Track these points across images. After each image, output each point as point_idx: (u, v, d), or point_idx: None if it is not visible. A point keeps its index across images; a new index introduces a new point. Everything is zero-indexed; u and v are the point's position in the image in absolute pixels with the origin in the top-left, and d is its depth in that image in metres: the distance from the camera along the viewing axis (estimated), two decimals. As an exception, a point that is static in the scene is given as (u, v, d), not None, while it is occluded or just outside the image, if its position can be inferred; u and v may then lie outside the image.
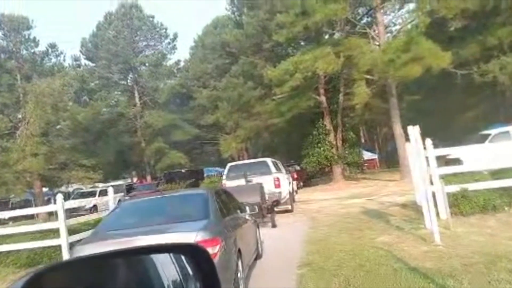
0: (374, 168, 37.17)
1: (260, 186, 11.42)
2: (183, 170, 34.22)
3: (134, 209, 6.53)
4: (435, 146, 11.97)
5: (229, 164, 15.68)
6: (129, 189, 32.00)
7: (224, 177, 14.92)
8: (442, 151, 11.89)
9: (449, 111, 28.54)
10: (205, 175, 36.51)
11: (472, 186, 9.64)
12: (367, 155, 35.46)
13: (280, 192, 13.72)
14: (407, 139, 23.14)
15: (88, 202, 22.64)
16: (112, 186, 17.37)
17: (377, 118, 38.10)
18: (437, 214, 9.27)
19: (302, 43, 26.37)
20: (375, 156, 40.06)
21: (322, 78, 25.19)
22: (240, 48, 26.90)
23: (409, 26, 22.13)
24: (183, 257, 1.22)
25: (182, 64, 47.87)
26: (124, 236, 4.86)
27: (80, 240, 6.99)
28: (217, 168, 48.18)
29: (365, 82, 21.90)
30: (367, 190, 20.01)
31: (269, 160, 15.07)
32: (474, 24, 20.62)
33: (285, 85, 20.95)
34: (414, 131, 8.95)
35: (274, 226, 11.58)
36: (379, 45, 22.35)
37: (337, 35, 25.11)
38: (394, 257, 6.89)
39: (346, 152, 26.37)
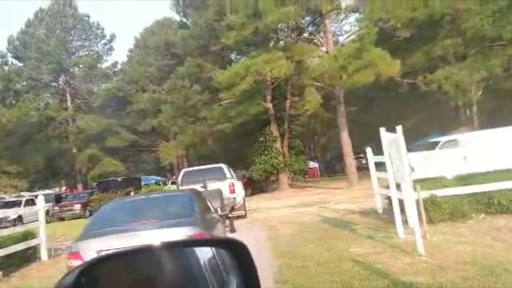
0: (315, 176, 37.16)
1: (220, 192, 10.60)
2: (119, 179, 32.13)
3: (123, 207, 6.74)
4: (377, 154, 11.72)
5: (183, 170, 15.30)
6: (58, 199, 29.46)
7: (179, 182, 14.05)
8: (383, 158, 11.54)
9: (390, 120, 29.13)
10: (142, 183, 34.69)
11: (440, 192, 9.23)
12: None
13: (235, 198, 13.05)
14: (353, 146, 23.07)
15: (13, 213, 20.25)
16: (41, 195, 15.47)
17: (319, 126, 38.46)
18: (406, 221, 8.82)
19: (250, 48, 25.66)
20: (316, 165, 40.17)
21: (270, 84, 24.63)
22: (186, 49, 25.67)
23: (355, 36, 22.22)
24: (223, 251, 1.23)
25: (119, 66, 45.47)
26: (125, 231, 5.10)
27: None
28: (154, 177, 46.28)
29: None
30: (315, 198, 19.53)
31: (224, 166, 14.70)
32: (420, 35, 21.01)
33: (234, 89, 20.06)
34: (387, 135, 8.40)
35: (233, 231, 11.29)
36: (327, 52, 22.19)
37: (283, 42, 24.74)
38: (379, 272, 6.14)
39: (293, 160, 25.89)
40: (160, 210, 6.06)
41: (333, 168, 42.99)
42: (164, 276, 1.12)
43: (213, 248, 1.28)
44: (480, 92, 21.94)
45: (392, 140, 7.97)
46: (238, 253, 1.19)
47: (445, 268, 5.95)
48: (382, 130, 8.53)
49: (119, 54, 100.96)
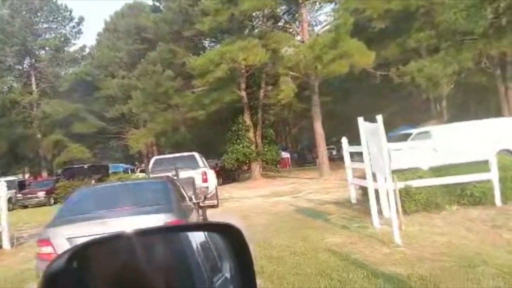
0: (286, 167, 37.11)
1: (193, 180, 10.28)
2: (85, 166, 31.05)
3: (95, 194, 6.58)
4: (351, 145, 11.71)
5: (154, 158, 14.85)
6: (22, 186, 28.30)
7: (149, 170, 13.63)
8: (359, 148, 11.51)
9: (362, 112, 29.34)
10: (110, 171, 33.79)
11: (415, 183, 9.21)
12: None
13: (207, 187, 12.72)
14: (327, 137, 23.08)
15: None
16: (3, 182, 14.72)
17: (291, 117, 38.42)
18: (380, 212, 8.78)
19: (225, 35, 25.17)
20: (287, 155, 40.08)
21: (244, 72, 24.27)
22: (158, 34, 24.92)
23: (330, 26, 22.11)
24: (217, 236, 1.21)
25: (87, 50, 43.90)
26: (97, 218, 5.02)
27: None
28: (123, 165, 45.24)
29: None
30: (288, 188, 19.45)
31: (196, 154, 14.34)
32: (395, 26, 21.07)
33: (208, 76, 19.60)
34: (366, 125, 8.27)
35: (206, 220, 10.63)
36: (302, 42, 22.00)
37: (258, 30, 24.39)
38: (357, 262, 6.03)
39: (265, 149, 25.70)
40: (134, 197, 5.93)
41: (304, 158, 43.12)
42: (157, 260, 1.10)
43: (205, 233, 1.26)
44: (451, 86, 22.23)
45: (371, 130, 7.85)
46: (233, 238, 1.17)
47: (423, 259, 5.88)
48: (360, 119, 8.41)
49: (88, 38, 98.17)
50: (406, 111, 28.04)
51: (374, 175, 8.56)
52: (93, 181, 22.07)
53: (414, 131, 17.46)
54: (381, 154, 7.12)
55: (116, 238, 1.06)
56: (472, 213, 8.70)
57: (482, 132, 15.03)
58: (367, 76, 24.95)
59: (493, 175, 8.94)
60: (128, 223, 4.75)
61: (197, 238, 1.25)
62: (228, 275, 1.24)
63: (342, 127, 34.34)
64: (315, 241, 7.71)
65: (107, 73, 38.85)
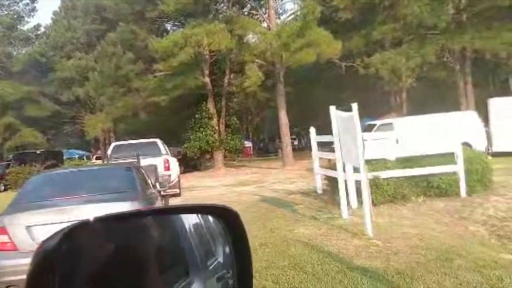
0: (249, 156, 36.95)
1: (155, 168, 9.82)
2: (38, 151, 29.57)
3: (55, 180, 6.15)
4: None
5: (113, 144, 14.25)
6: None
7: (108, 157, 13.00)
8: (328, 138, 11.46)
9: (324, 102, 29.51)
10: (65, 157, 32.42)
11: (383, 174, 9.16)
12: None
13: (169, 175, 12.27)
14: (291, 126, 22.94)
15: None
16: None
17: (254, 106, 38.13)
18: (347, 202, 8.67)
19: (189, 19, 24.38)
20: (250, 144, 39.95)
21: (208, 58, 23.68)
22: (119, 14, 23.81)
23: (297, 14, 21.90)
24: (210, 218, 1.18)
25: (42, 30, 41.65)
26: (56, 205, 4.85)
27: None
28: (78, 151, 43.58)
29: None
30: (251, 177, 19.25)
31: (159, 141, 13.76)
32: (361, 18, 21.12)
33: (172, 60, 18.91)
34: (339, 114, 8.09)
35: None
36: (269, 29, 21.66)
37: (223, 15, 23.80)
38: (331, 255, 5.84)
39: (229, 138, 25.29)
40: (97, 184, 5.69)
41: (266, 148, 43.16)
42: (150, 243, 1.08)
43: (199, 216, 1.23)
44: (413, 79, 22.61)
45: (345, 119, 7.66)
46: (229, 221, 1.14)
47: (397, 252, 5.76)
48: (332, 108, 8.23)
49: (43, 17, 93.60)
50: (367, 103, 28.38)
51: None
52: (43, 168, 20.97)
53: (377, 122, 17.69)
54: (355, 144, 6.93)
55: (109, 219, 1.04)
56: (438, 205, 8.75)
57: (443, 125, 15.43)
58: (330, 67, 25.04)
59: (459, 167, 9.02)
60: (90, 211, 4.48)
61: (190, 220, 1.21)
62: (221, 259, 1.21)
63: (304, 118, 34.64)
64: (284, 232, 7.48)
65: (62, 54, 36.99)
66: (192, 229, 1.21)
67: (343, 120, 7.79)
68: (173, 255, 1.14)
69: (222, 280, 1.18)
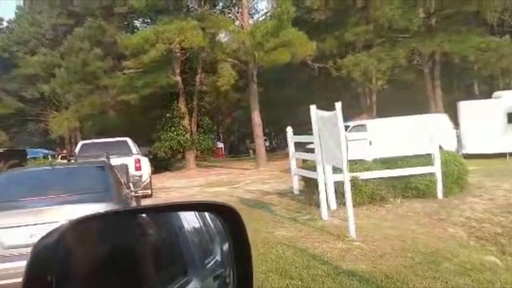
0: (220, 157, 36.62)
1: (126, 168, 9.40)
2: (0, 150, 28.27)
3: (25, 180, 5.80)
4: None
5: (81, 142, 13.83)
6: None
7: (75, 156, 12.49)
8: (305, 138, 11.40)
9: (296, 104, 29.60)
10: (28, 156, 31.12)
11: (362, 176, 9.08)
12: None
13: (141, 175, 11.84)
14: (262, 127, 22.75)
15: None
16: None
17: (225, 106, 37.81)
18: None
19: (159, 16, 23.82)
20: (222, 145, 39.60)
21: (180, 56, 23.20)
22: (87, 8, 22.99)
23: (271, 13, 21.74)
24: (208, 216, 1.18)
25: (5, 24, 39.87)
26: (23, 207, 4.58)
27: None
28: (43, 150, 42.02)
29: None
30: (225, 178, 18.95)
31: (129, 140, 13.36)
32: (334, 19, 21.18)
33: (143, 57, 18.36)
34: (320, 113, 7.94)
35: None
36: (242, 28, 21.41)
37: (195, 13, 23.38)
38: (315, 258, 5.65)
39: (201, 138, 24.86)
40: (69, 184, 5.40)
41: (237, 149, 42.94)
42: (147, 240, 1.05)
43: (196, 213, 1.20)
44: (384, 82, 22.87)
45: (326, 118, 7.51)
46: (229, 218, 1.13)
47: (382, 255, 5.62)
48: (313, 107, 8.08)
49: (6, 11, 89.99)
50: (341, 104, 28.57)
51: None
52: (7, 167, 19.96)
53: (350, 123, 17.73)
54: (337, 144, 6.78)
55: (107, 217, 1.04)
56: (417, 206, 8.74)
57: (415, 128, 15.61)
58: (303, 68, 25.04)
59: (437, 169, 9.04)
60: (63, 213, 4.43)
61: (188, 218, 1.18)
62: (219, 257, 1.19)
63: (276, 118, 34.62)
64: (264, 234, 7.23)
65: (26, 50, 35.50)
66: (189, 227, 1.18)
67: (324, 119, 7.64)
68: (171, 253, 1.12)
69: (220, 278, 1.16)
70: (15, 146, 34.85)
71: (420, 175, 9.19)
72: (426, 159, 9.38)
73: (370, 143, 16.12)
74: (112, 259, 0.92)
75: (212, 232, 1.21)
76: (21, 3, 39.44)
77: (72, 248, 0.87)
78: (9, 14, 52.48)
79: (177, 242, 1.15)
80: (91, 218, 0.95)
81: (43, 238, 0.85)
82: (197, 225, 1.20)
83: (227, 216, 1.13)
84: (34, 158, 32.18)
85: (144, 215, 1.10)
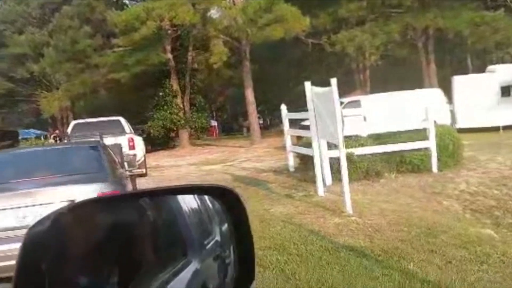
0: (214, 135, 36.49)
1: (120, 147, 9.33)
2: (-8, 131, 27.98)
3: (16, 161, 5.68)
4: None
5: (73, 122, 13.68)
6: None
7: (68, 136, 12.38)
8: (300, 115, 11.37)
9: (288, 80, 29.44)
10: (20, 137, 30.87)
11: (357, 151, 9.08)
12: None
13: (135, 155, 11.75)
14: (257, 105, 22.64)
15: None
16: None
17: (217, 84, 37.48)
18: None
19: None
20: (215, 123, 39.40)
21: (171, 33, 22.83)
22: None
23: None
24: (207, 197, 1.16)
25: (-8, 3, 38.80)
26: (15, 189, 4.47)
27: None
28: (34, 130, 41.65)
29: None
30: (219, 156, 18.91)
31: (122, 119, 13.27)
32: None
33: (133, 34, 18.02)
34: (315, 90, 7.87)
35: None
36: (234, 4, 21.02)
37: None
38: (312, 233, 5.68)
39: (194, 116, 24.71)
40: (63, 164, 5.31)
41: (230, 127, 42.80)
42: (144, 224, 1.04)
43: (196, 196, 1.17)
44: (377, 57, 22.73)
45: (322, 94, 7.45)
46: (229, 201, 1.11)
47: (379, 229, 5.65)
48: (307, 84, 8.02)
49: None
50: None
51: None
52: None
53: (345, 100, 17.66)
54: (333, 120, 6.73)
55: (104, 201, 1.05)
56: (411, 181, 8.78)
57: (409, 103, 15.59)
58: (295, 44, 24.79)
59: (431, 143, 9.04)
60: (57, 194, 4.40)
61: (186, 200, 1.16)
62: (218, 238, 1.19)
63: (268, 96, 34.44)
64: (261, 211, 7.25)
65: (14, 29, 34.72)
66: (188, 208, 1.17)
67: (319, 95, 7.58)
68: (169, 235, 1.11)
69: (219, 259, 1.17)
70: (7, 127, 34.50)
71: (415, 149, 9.21)
72: (420, 133, 9.40)
73: (365, 118, 16.21)
74: (108, 245, 0.91)
75: (211, 213, 1.20)
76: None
77: (66, 234, 0.85)
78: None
79: (176, 224, 1.15)
80: (86, 203, 0.94)
81: (36, 224, 0.83)
82: (195, 206, 1.20)
83: (227, 199, 1.12)
84: (26, 139, 31.95)
85: (142, 198, 1.08)
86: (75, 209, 0.91)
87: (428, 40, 22.92)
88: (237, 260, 1.12)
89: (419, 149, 9.25)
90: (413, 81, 23.95)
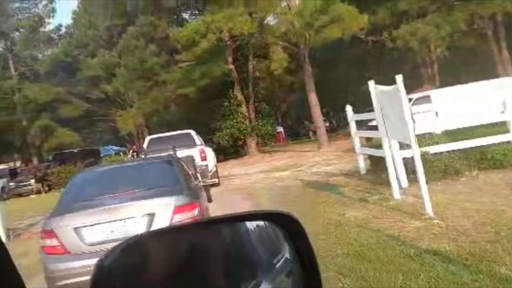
0: (281, 141, 36.50)
1: (193, 159, 9.73)
2: (75, 150, 30.19)
3: (98, 178, 6.03)
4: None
5: (148, 137, 14.50)
6: (13, 174, 27.44)
7: (144, 151, 13.14)
8: (367, 115, 11.06)
9: (351, 81, 28.86)
10: (102, 154, 33.03)
11: (432, 149, 8.72)
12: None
13: (207, 165, 12.17)
14: (321, 107, 22.46)
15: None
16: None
17: (279, 90, 37.64)
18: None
19: (206, 7, 23.93)
20: (281, 129, 39.50)
21: (231, 44, 23.34)
22: (136, 6, 23.60)
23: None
24: (267, 225, 1.14)
25: (63, 30, 42.07)
26: (102, 205, 4.79)
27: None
28: (114, 147, 44.25)
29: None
30: (288, 161, 18.94)
31: (193, 132, 13.91)
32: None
33: (195, 48, 18.64)
34: (380, 88, 7.69)
35: (210, 200, 10.20)
36: (289, 8, 21.04)
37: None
38: (392, 238, 5.52)
39: (260, 124, 25.07)
40: (140, 180, 5.54)
41: (296, 132, 42.77)
42: (210, 253, 1.05)
43: (254, 223, 1.17)
44: (443, 49, 21.67)
45: (387, 93, 7.26)
46: (290, 228, 1.10)
47: (464, 232, 5.37)
48: (371, 83, 7.87)
49: (64, 17, 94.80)
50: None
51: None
52: (83, 166, 21.35)
53: (413, 96, 17.03)
54: (402, 119, 6.52)
55: (173, 231, 1.08)
56: (494, 178, 8.27)
57: (485, 94, 14.69)
58: (355, 44, 24.32)
59: (513, 136, 8.47)
60: (138, 208, 4.75)
61: (250, 228, 1.16)
62: (287, 255, 1.15)
63: (332, 98, 33.97)
64: (335, 216, 7.20)
65: (87, 53, 37.27)
66: (254, 231, 1.18)
67: (385, 94, 7.39)
68: (238, 260, 1.12)
69: (291, 275, 1.16)
70: (89, 146, 37.03)
71: (496, 144, 8.68)
72: (500, 127, 8.84)
73: (437, 114, 15.47)
74: (175, 274, 0.93)
75: (272, 242, 1.20)
76: (76, 8, 41.25)
77: (134, 265, 0.88)
78: (66, 20, 54.89)
79: (243, 247, 1.16)
80: (151, 234, 0.97)
81: (108, 252, 0.87)
82: (257, 235, 1.20)
83: (288, 226, 1.11)
84: (107, 155, 34.08)
85: (205, 227, 1.12)
86: (141, 240, 0.94)
87: (498, 27, 21.49)
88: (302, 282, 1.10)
89: (500, 144, 8.72)
90: (485, 72, 22.60)
